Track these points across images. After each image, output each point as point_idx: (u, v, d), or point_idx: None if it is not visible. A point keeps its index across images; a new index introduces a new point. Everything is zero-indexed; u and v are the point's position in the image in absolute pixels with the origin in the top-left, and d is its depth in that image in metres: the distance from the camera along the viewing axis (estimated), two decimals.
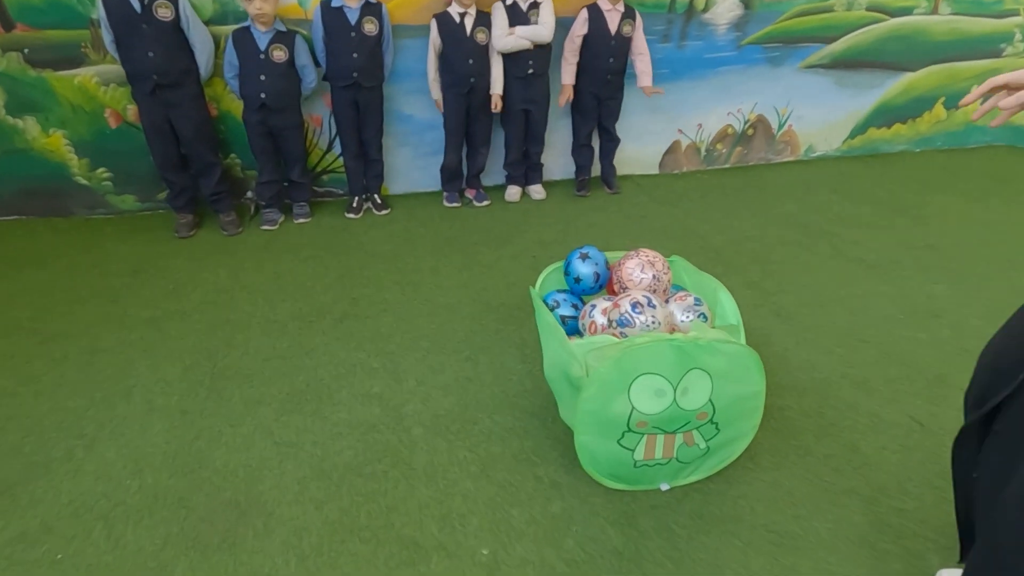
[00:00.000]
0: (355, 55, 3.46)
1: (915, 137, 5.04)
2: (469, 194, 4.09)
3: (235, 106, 3.65)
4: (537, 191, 4.15)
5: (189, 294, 3.05)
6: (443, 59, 3.68)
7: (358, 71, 3.50)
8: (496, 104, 3.80)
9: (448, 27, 3.59)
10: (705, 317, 2.09)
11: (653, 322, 1.92)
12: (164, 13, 3.18)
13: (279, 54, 3.39)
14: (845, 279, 3.24)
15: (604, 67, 3.84)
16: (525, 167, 4.12)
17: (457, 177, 4.03)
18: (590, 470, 1.96)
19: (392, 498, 1.97)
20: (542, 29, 3.64)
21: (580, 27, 3.79)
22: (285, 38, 3.41)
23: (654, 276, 2.07)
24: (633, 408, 1.81)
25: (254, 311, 2.93)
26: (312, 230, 3.72)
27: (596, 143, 4.21)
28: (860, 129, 4.87)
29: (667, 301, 2.12)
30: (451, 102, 3.76)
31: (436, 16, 3.62)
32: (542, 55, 3.74)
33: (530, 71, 3.72)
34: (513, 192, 4.11)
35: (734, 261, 3.40)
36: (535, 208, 4.03)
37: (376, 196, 3.93)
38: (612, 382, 1.79)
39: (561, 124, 4.16)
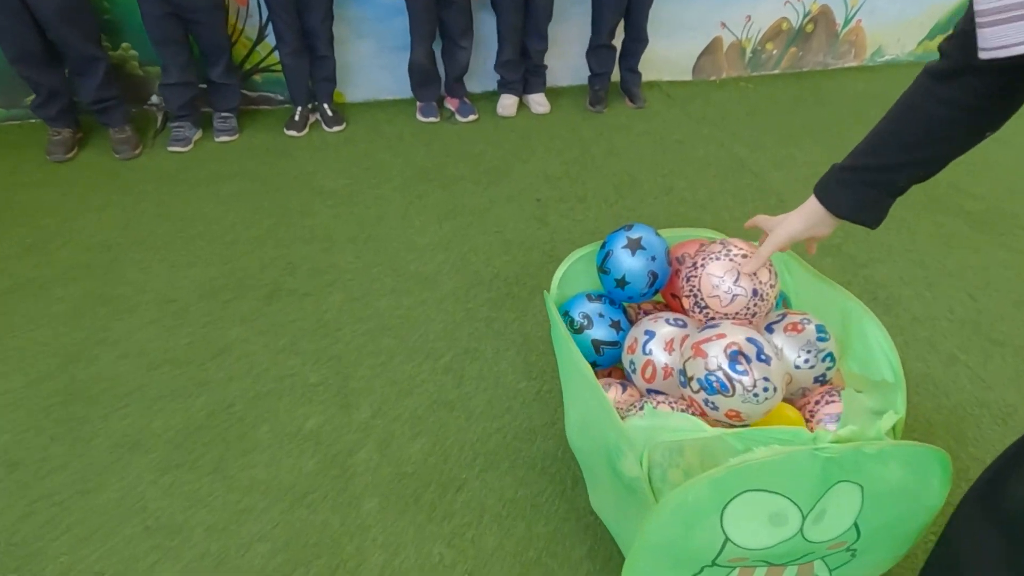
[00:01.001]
0: None
1: None
2: (451, 105, 3.13)
3: None
4: (539, 102, 3.18)
5: (55, 252, 2.16)
6: None
7: None
8: None
9: None
10: (833, 360, 1.28)
11: (766, 389, 1.11)
12: None
13: None
14: (950, 241, 2.43)
15: None
16: (523, 70, 3.13)
17: (431, 80, 3.04)
18: None
19: None
20: None
21: None
22: None
23: (755, 292, 1.24)
24: (727, 540, 1.04)
25: (145, 283, 2.06)
26: (239, 153, 2.77)
27: (617, 42, 3.21)
28: (943, 27, 3.89)
29: (768, 328, 1.30)
30: None
31: None
32: None
33: None
34: (508, 103, 3.14)
35: None
36: (537, 126, 3.09)
37: (326, 107, 2.95)
38: (699, 505, 1.01)
39: (572, 12, 3.14)
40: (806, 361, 1.27)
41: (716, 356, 1.14)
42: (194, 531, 1.41)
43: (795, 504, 1.02)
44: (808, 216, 1.10)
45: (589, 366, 1.21)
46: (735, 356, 1.13)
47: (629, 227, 1.43)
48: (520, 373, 1.81)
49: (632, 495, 1.14)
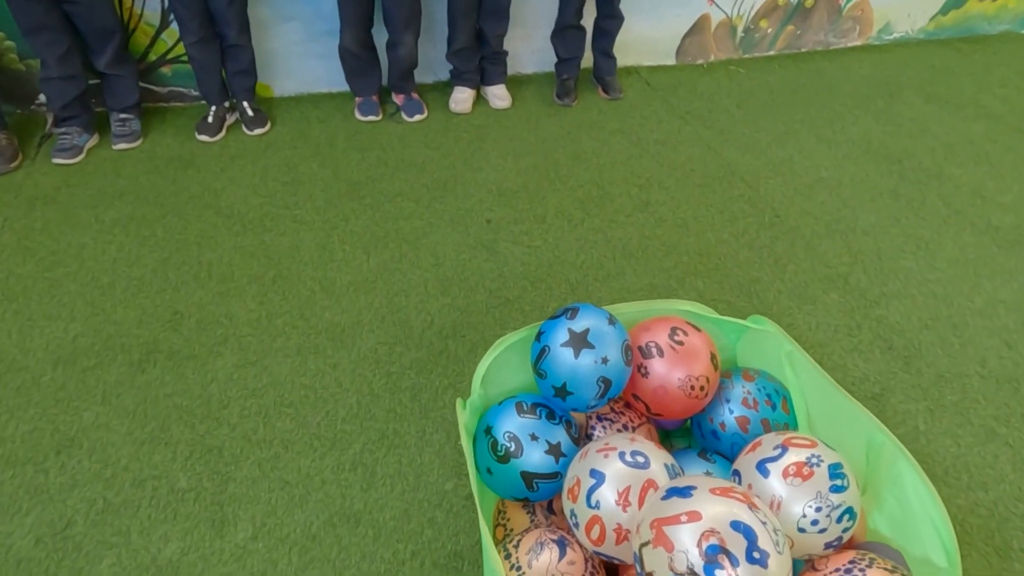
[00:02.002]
0: None
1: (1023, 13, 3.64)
2: (396, 100, 2.69)
3: None
4: (499, 95, 2.74)
5: None
6: None
7: None
8: None
9: None
10: (853, 517, 0.90)
11: None
12: None
13: None
14: (978, 268, 2.05)
15: None
16: (480, 58, 2.68)
17: (367, 71, 2.59)
18: None
19: None
20: None
21: None
22: None
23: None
24: None
25: None
26: (137, 164, 2.33)
27: (588, 22, 2.76)
28: (957, 1, 3.45)
29: (760, 467, 0.92)
30: None
31: None
32: None
33: None
34: (462, 98, 2.70)
35: (803, 229, 2.16)
36: (495, 124, 2.66)
37: (246, 105, 2.51)
38: None
39: None
40: (814, 522, 0.89)
41: (685, 551, 0.75)
42: None
43: None
44: None
45: (496, 556, 0.82)
46: (714, 554, 0.74)
47: (572, 314, 1.04)
48: (449, 467, 1.43)
49: None
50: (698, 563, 0.74)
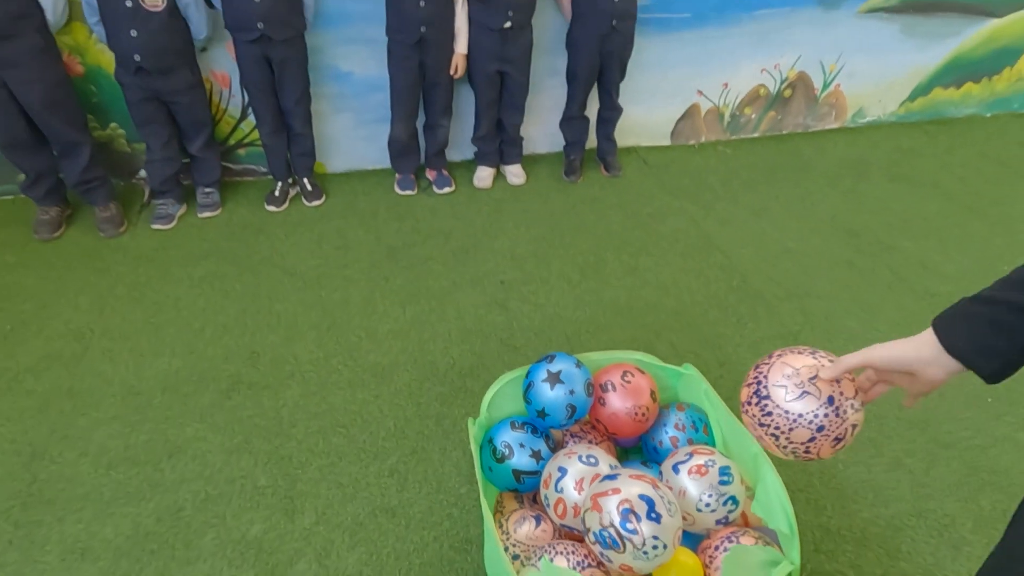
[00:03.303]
0: None
1: (989, 98, 4.08)
2: (429, 175, 3.20)
3: (107, 59, 2.71)
4: (515, 173, 3.25)
5: (30, 341, 2.25)
6: None
7: (264, 19, 2.53)
8: (457, 67, 2.86)
9: None
10: (736, 503, 1.31)
11: (656, 546, 1.15)
12: None
13: (153, 0, 2.42)
14: (913, 329, 2.39)
15: (608, 9, 2.85)
16: (499, 141, 3.20)
17: (410, 154, 3.12)
18: None
19: None
20: None
21: None
22: None
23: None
24: None
25: (112, 374, 2.14)
26: (218, 230, 2.86)
27: (592, 110, 3.27)
28: (924, 89, 3.91)
29: (675, 468, 1.34)
30: (397, 55, 2.80)
31: None
32: (526, 3, 2.77)
33: (507, 24, 2.75)
34: (484, 176, 3.21)
35: (765, 293, 2.58)
36: (511, 198, 3.15)
37: (306, 181, 3.04)
38: None
39: (548, 84, 3.21)
40: (707, 504, 1.31)
41: (610, 512, 1.18)
42: None
43: None
44: (920, 347, 0.87)
45: (491, 518, 1.25)
46: (627, 514, 1.17)
47: (551, 359, 1.48)
48: (464, 476, 1.86)
49: None
50: (617, 519, 1.16)
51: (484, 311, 2.44)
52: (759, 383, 1.04)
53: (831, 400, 0.99)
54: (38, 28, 2.43)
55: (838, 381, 1.00)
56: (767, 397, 1.02)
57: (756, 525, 1.38)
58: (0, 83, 2.43)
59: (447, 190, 3.13)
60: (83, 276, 2.55)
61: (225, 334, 2.31)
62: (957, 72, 3.91)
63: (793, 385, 1.00)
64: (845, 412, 1.01)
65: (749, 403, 1.05)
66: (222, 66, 2.87)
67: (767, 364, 1.05)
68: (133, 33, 2.45)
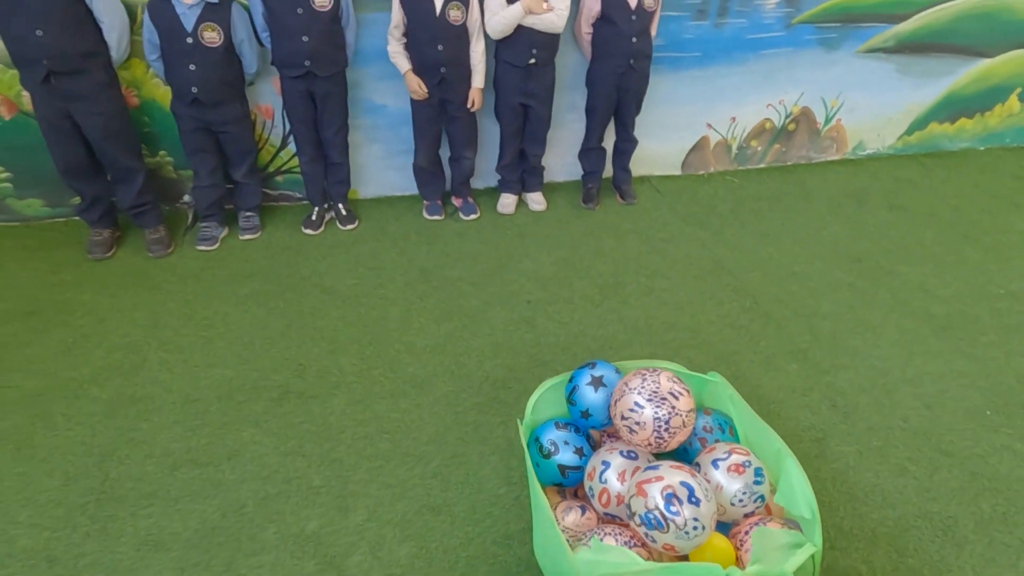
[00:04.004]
0: (305, 38, 2.70)
1: (982, 133, 4.30)
2: (455, 203, 3.39)
3: (161, 93, 2.92)
4: (536, 200, 3.44)
5: (91, 353, 2.41)
6: (408, 39, 2.91)
7: (311, 58, 2.74)
8: (474, 101, 3.06)
9: (412, 1, 2.81)
10: (763, 500, 1.47)
11: (695, 527, 1.31)
12: None
13: (211, 35, 2.63)
14: (912, 347, 2.61)
15: (625, 49, 3.07)
16: (522, 171, 3.40)
17: (435, 181, 3.32)
18: None
19: None
20: (552, 17, 2.87)
21: (593, 2, 3.01)
22: (218, 12, 2.64)
23: (656, 419, 1.44)
24: None
25: (170, 383, 2.30)
26: (259, 251, 3.03)
27: (609, 142, 3.48)
28: (920, 124, 4.13)
29: (714, 464, 1.50)
30: None
31: None
32: (549, 42, 2.98)
33: (532, 60, 2.96)
34: (507, 202, 3.40)
35: (775, 313, 2.75)
36: (532, 224, 3.34)
37: (341, 206, 3.23)
38: None
39: (569, 118, 3.42)
40: (740, 501, 1.46)
41: (654, 496, 1.34)
42: None
43: None
44: None
45: (546, 503, 1.41)
46: (670, 498, 1.32)
47: (593, 365, 1.65)
48: (501, 478, 2.01)
49: None
50: (661, 503, 1.32)
51: (513, 328, 2.61)
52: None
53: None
54: (104, 64, 2.64)
55: None
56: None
57: (778, 516, 1.53)
58: (66, 114, 2.62)
59: (473, 216, 3.32)
60: (136, 293, 2.71)
61: (272, 347, 2.47)
62: (951, 108, 4.14)
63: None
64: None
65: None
66: (266, 100, 3.08)
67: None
68: (192, 67, 2.66)
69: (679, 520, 1.30)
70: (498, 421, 2.20)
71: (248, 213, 3.14)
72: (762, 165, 4.01)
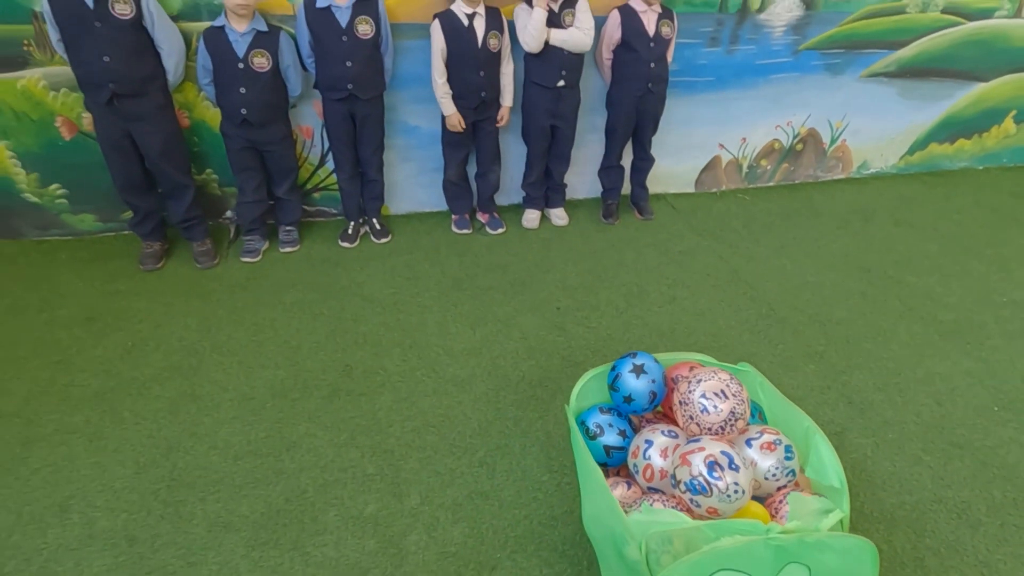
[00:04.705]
0: (348, 63, 2.90)
1: (979, 153, 4.50)
2: (482, 218, 3.57)
3: (211, 115, 3.11)
4: (559, 216, 3.63)
5: (150, 355, 2.56)
6: (450, 67, 3.11)
7: (353, 81, 2.94)
8: (503, 117, 3.26)
9: (454, 30, 3.01)
10: (794, 474, 1.61)
11: (736, 491, 1.45)
12: (122, 9, 2.61)
13: (261, 61, 2.83)
14: (922, 349, 2.76)
15: (644, 74, 3.28)
16: (546, 188, 3.59)
17: (463, 196, 3.50)
18: None
19: None
20: (579, 35, 3.07)
21: (614, 29, 3.23)
22: (267, 40, 2.84)
23: (731, 412, 1.59)
24: None
25: (226, 382, 2.45)
26: (300, 262, 3.20)
27: (626, 160, 3.67)
28: (921, 144, 4.33)
29: (748, 443, 1.64)
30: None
31: (438, 16, 3.02)
32: (576, 65, 3.18)
33: (561, 83, 3.17)
34: (532, 217, 3.58)
35: (791, 319, 2.91)
36: (556, 238, 3.52)
37: (375, 221, 3.41)
38: None
39: (589, 139, 3.62)
40: (773, 475, 1.61)
41: (698, 465, 1.48)
42: None
43: None
44: None
45: (600, 471, 1.55)
46: (712, 465, 1.47)
47: (634, 355, 1.81)
48: (543, 467, 2.15)
49: (632, 573, 1.46)
50: (704, 470, 1.46)
51: (545, 333, 2.76)
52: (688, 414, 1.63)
53: (732, 412, 1.64)
54: (161, 88, 2.84)
55: None
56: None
57: (807, 488, 1.68)
58: (126, 133, 2.81)
59: (499, 231, 3.49)
60: (187, 301, 2.87)
61: (320, 350, 2.62)
62: (950, 129, 4.34)
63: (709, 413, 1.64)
64: (742, 413, 1.66)
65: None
66: (307, 121, 3.27)
67: (689, 401, 1.67)
68: (242, 90, 2.85)
69: (721, 484, 1.44)
70: (536, 416, 2.35)
71: (288, 227, 3.31)
72: (771, 183, 4.20)
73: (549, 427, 2.30)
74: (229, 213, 3.40)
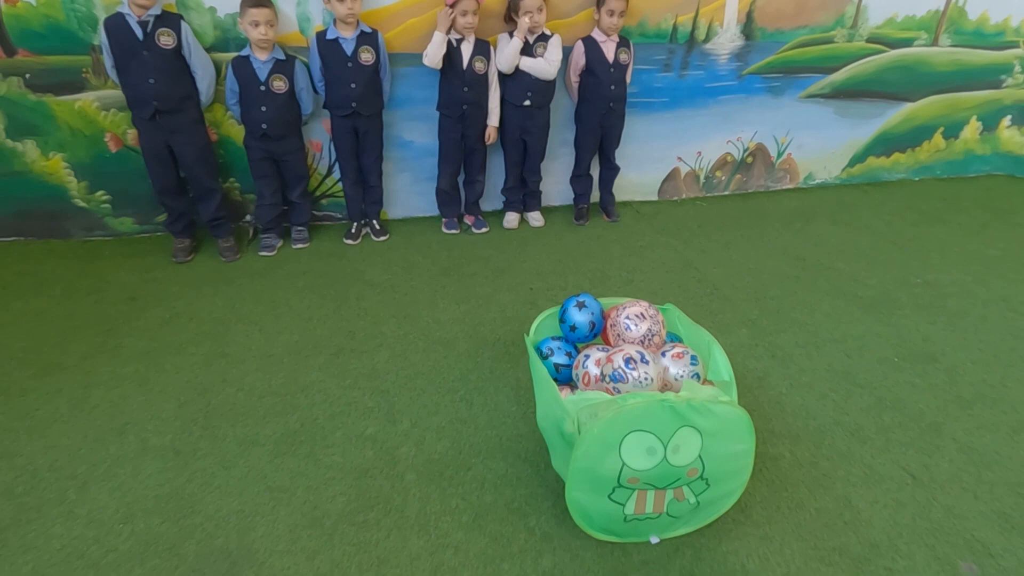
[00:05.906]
0: (353, 85, 3.46)
1: (914, 165, 5.05)
2: (468, 220, 4.09)
3: (235, 131, 3.65)
4: (535, 218, 4.15)
5: (185, 325, 3.05)
6: (441, 81, 3.68)
7: (356, 100, 3.50)
8: (489, 136, 3.80)
9: (447, 54, 3.59)
10: (699, 376, 2.08)
11: (646, 378, 1.92)
12: (166, 41, 3.18)
13: (279, 84, 3.39)
14: (841, 318, 3.24)
15: (606, 95, 3.84)
16: (523, 194, 4.12)
17: (453, 202, 4.03)
18: (582, 524, 1.96)
19: (384, 549, 1.97)
20: (545, 65, 3.65)
21: (579, 56, 3.80)
22: (285, 67, 3.41)
23: (648, 330, 2.07)
24: (624, 464, 1.81)
25: (250, 344, 2.92)
26: (310, 257, 3.71)
27: (595, 171, 4.21)
28: (860, 158, 4.87)
29: (663, 354, 2.12)
30: (445, 127, 3.77)
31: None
32: (542, 89, 3.74)
33: (527, 102, 3.72)
34: (511, 219, 4.10)
35: (731, 296, 3.40)
36: (533, 236, 4.03)
37: (375, 222, 3.93)
38: (604, 440, 1.79)
39: (562, 152, 4.16)
40: (681, 375, 2.08)
41: (618, 360, 1.96)
42: (297, 490, 2.18)
43: (659, 439, 1.79)
44: None
45: (549, 372, 2.02)
46: (628, 360, 1.95)
47: (579, 295, 2.29)
48: (512, 402, 2.61)
49: (570, 447, 1.92)
50: (622, 364, 1.93)
51: (519, 307, 3.25)
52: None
53: (649, 330, 2.17)
54: (195, 106, 3.39)
55: None
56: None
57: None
58: (165, 144, 3.35)
59: (483, 230, 4.01)
60: (215, 286, 3.37)
61: (327, 320, 3.10)
62: (886, 144, 4.89)
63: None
64: (658, 332, 2.18)
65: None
66: (316, 135, 3.82)
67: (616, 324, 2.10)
68: (263, 109, 3.40)
69: (635, 374, 1.91)
70: (509, 367, 2.81)
71: (300, 227, 3.83)
72: (726, 192, 4.73)
73: (519, 375, 2.76)
74: (248, 216, 3.92)
